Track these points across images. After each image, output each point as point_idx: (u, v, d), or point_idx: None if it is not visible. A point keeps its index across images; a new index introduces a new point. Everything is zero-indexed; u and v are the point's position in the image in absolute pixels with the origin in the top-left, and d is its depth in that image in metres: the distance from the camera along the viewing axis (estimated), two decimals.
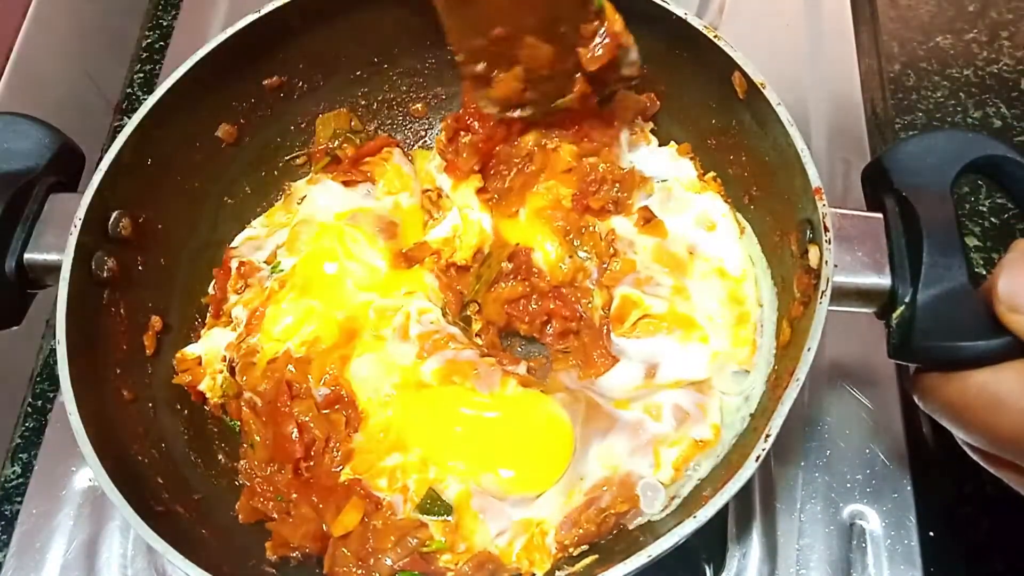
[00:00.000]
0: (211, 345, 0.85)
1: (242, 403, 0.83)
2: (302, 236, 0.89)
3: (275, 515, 0.77)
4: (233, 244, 0.92)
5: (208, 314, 0.89)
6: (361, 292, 0.86)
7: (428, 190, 0.93)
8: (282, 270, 0.88)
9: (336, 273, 0.86)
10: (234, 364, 0.84)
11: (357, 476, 0.77)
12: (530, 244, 0.87)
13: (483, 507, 0.75)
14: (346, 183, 0.93)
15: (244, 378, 0.83)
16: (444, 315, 0.86)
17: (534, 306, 0.86)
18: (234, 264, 0.89)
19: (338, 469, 0.78)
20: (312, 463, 0.79)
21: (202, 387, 0.83)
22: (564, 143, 0.88)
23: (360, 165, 0.95)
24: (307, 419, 0.79)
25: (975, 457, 0.67)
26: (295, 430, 0.78)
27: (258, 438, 0.81)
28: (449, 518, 0.75)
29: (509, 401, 0.80)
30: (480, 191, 0.89)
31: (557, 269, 0.86)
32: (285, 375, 0.81)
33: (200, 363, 0.84)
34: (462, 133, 0.88)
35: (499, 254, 0.86)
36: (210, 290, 0.90)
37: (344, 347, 0.83)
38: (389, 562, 0.72)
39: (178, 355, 0.84)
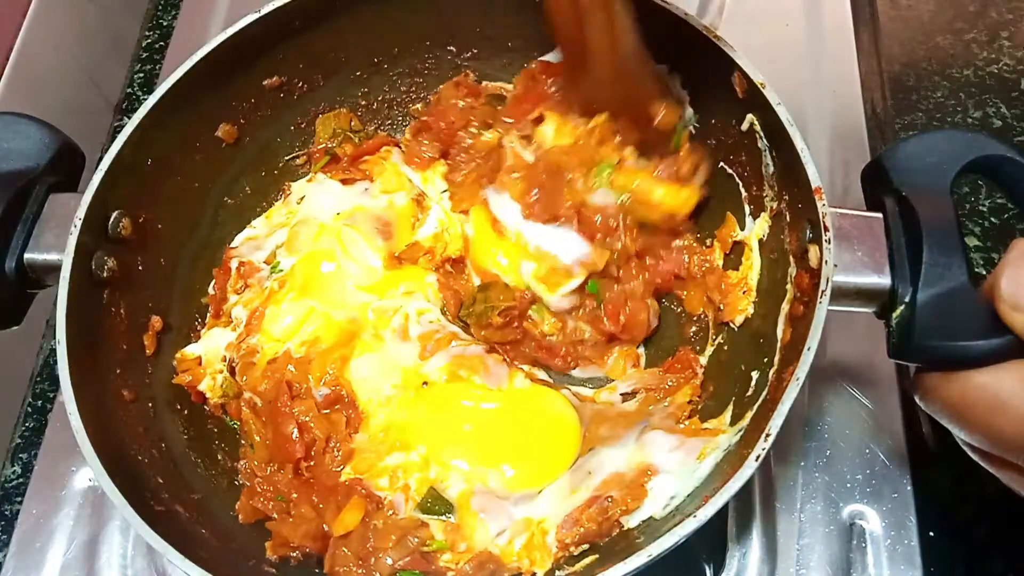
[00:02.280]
0: (211, 345, 0.85)
1: (242, 403, 0.83)
2: (301, 236, 0.89)
3: (275, 515, 0.77)
4: (233, 244, 0.92)
5: (208, 314, 0.89)
6: (360, 292, 0.86)
7: (416, 194, 0.93)
8: (281, 270, 0.88)
9: (335, 273, 0.86)
10: (234, 364, 0.83)
11: (358, 476, 0.77)
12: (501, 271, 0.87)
13: (484, 506, 0.75)
14: (344, 181, 0.93)
15: (244, 378, 0.82)
16: (443, 314, 0.86)
17: (526, 349, 0.87)
18: (234, 264, 0.89)
19: (339, 469, 0.78)
20: (312, 463, 0.79)
21: (202, 387, 0.83)
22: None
23: (359, 164, 0.95)
24: (307, 419, 0.79)
25: (975, 457, 0.67)
26: (295, 430, 0.78)
27: (258, 438, 0.81)
28: (451, 517, 0.75)
29: (516, 395, 0.80)
30: (446, 176, 0.92)
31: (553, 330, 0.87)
32: (285, 375, 0.81)
33: (200, 363, 0.84)
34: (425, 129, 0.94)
35: (489, 296, 0.86)
36: (210, 290, 0.90)
37: (344, 347, 0.83)
38: (390, 561, 0.72)
39: (178, 355, 0.84)
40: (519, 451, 0.78)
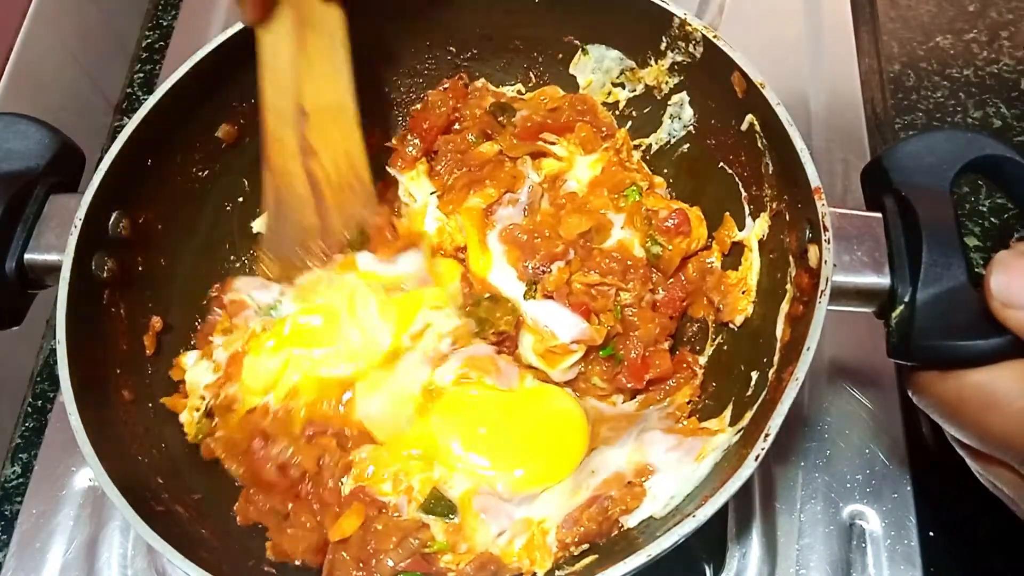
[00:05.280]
0: (194, 377, 0.82)
1: (215, 442, 0.80)
2: (319, 287, 0.83)
3: (273, 525, 0.76)
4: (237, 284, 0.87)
5: (196, 338, 0.86)
6: (348, 362, 0.79)
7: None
8: (275, 314, 0.83)
9: (331, 332, 0.80)
10: (211, 408, 0.80)
11: (360, 484, 0.75)
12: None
13: (485, 506, 0.75)
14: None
15: (219, 421, 0.80)
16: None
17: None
18: (227, 299, 0.85)
19: (339, 485, 0.75)
20: (309, 483, 0.76)
21: (181, 419, 0.81)
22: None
23: None
24: (288, 456, 0.75)
25: (964, 454, 0.67)
26: (275, 470, 0.75)
27: (239, 474, 0.78)
28: (454, 518, 0.74)
29: (526, 396, 0.80)
30: (433, 179, 0.92)
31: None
32: (261, 425, 0.77)
33: (184, 387, 0.82)
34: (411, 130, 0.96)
35: (492, 309, 0.84)
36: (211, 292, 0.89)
37: (335, 394, 0.78)
38: (391, 563, 0.72)
39: (175, 360, 0.83)
40: (529, 452, 0.77)
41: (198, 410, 0.81)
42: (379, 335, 0.80)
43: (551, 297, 0.84)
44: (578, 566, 0.72)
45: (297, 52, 0.78)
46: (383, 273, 0.84)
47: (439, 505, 0.74)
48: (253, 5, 0.76)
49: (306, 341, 0.80)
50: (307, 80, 0.79)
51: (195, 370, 0.83)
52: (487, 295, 0.84)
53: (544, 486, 0.76)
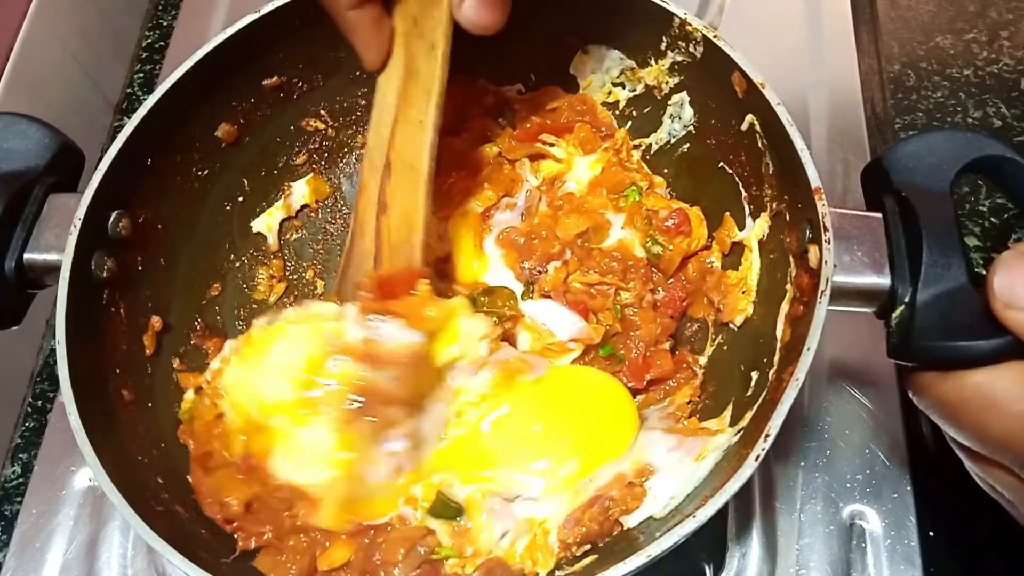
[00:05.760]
0: (215, 360, 0.81)
1: (190, 431, 0.78)
2: (320, 310, 0.77)
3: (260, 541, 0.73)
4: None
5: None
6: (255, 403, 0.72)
7: None
8: (277, 322, 0.77)
9: (261, 362, 0.73)
10: (204, 392, 0.79)
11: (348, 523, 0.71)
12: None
13: (490, 508, 0.74)
14: None
15: (198, 412, 0.78)
16: None
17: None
18: None
19: (314, 534, 0.71)
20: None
21: (186, 395, 0.81)
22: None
23: None
24: (220, 492, 0.72)
25: (962, 456, 0.67)
26: (216, 504, 0.72)
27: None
28: (462, 520, 0.73)
29: (557, 379, 0.78)
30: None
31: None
32: (212, 441, 0.75)
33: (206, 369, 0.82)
34: None
35: (493, 301, 0.83)
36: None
37: (261, 442, 0.72)
38: (398, 572, 0.71)
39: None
40: (584, 434, 0.76)
41: (199, 386, 0.80)
42: (277, 386, 0.72)
43: (548, 297, 0.84)
44: (578, 566, 0.72)
45: (397, 99, 0.77)
46: (351, 334, 0.73)
47: (447, 508, 0.73)
48: (378, 50, 0.77)
49: (251, 362, 0.74)
50: (398, 131, 0.78)
51: (218, 356, 0.82)
52: (481, 290, 0.84)
53: (607, 460, 0.75)
